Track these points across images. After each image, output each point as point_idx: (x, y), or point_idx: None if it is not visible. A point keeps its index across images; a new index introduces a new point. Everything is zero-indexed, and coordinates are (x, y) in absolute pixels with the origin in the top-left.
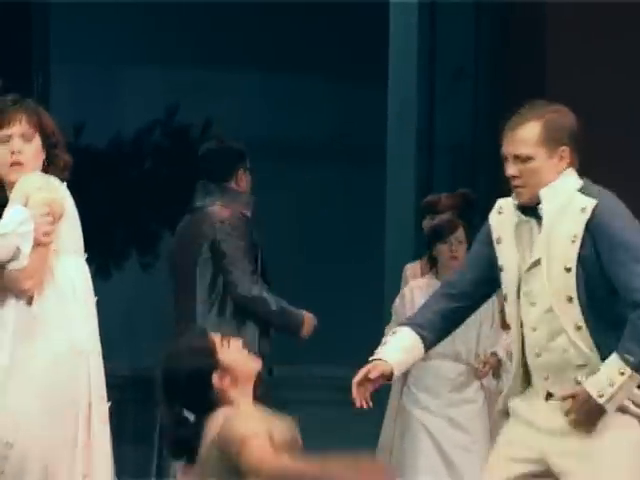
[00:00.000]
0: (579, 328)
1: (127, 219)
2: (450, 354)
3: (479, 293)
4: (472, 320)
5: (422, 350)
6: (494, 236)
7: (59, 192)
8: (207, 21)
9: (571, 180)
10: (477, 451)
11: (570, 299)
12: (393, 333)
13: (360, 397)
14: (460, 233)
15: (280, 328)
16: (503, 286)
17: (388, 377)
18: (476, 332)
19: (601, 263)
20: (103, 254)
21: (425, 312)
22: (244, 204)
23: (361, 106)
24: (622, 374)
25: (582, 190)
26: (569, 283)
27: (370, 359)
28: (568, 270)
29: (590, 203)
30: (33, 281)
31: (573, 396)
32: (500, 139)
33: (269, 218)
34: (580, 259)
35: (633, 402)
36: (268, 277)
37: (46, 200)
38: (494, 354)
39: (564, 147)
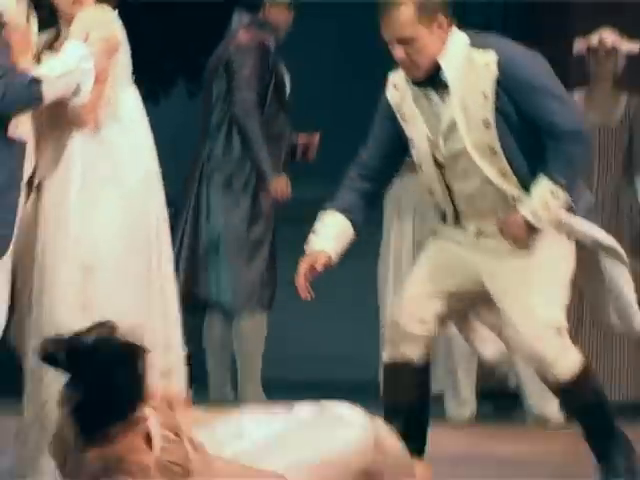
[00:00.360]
0: (504, 174)
1: (176, 51)
2: None
3: (390, 168)
4: None
5: (352, 232)
6: (397, 112)
7: (115, 25)
8: None
9: (459, 39)
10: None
11: (493, 151)
12: (321, 221)
13: (305, 289)
14: None
15: (255, 161)
16: (415, 157)
17: (328, 266)
18: None
19: (519, 111)
20: (152, 81)
21: (346, 195)
22: (267, 34)
23: None
24: (552, 193)
25: (474, 44)
26: (490, 136)
27: (307, 250)
28: (487, 125)
29: (491, 58)
30: (94, 115)
31: (509, 221)
32: None
33: None
34: (497, 112)
35: (562, 220)
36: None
37: (105, 36)
38: None
39: (439, 16)
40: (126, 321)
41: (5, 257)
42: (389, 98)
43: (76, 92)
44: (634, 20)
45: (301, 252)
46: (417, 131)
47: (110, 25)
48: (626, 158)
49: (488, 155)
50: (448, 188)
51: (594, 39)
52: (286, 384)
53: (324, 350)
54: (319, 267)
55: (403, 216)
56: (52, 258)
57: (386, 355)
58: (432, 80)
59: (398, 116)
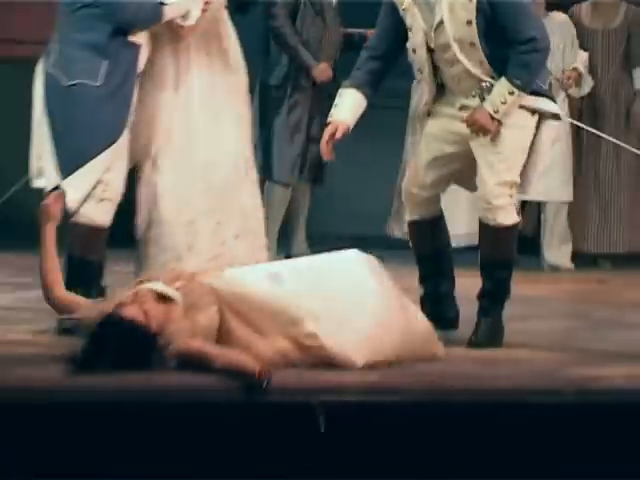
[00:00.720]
0: (482, 63)
1: None
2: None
3: (394, 50)
4: (557, 43)
5: (365, 103)
6: (400, 6)
7: None
8: None
9: None
10: (558, 148)
11: (473, 44)
12: (340, 96)
13: (327, 153)
14: None
15: (294, 61)
16: (411, 42)
17: (346, 133)
18: (560, 53)
19: (495, 15)
20: None
21: (360, 74)
22: None
23: None
24: (511, 94)
25: None
26: (471, 33)
27: (329, 120)
28: (469, 23)
29: None
30: (194, 32)
31: (475, 115)
32: None
33: None
34: (478, 13)
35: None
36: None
37: None
38: (575, 69)
39: None
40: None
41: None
42: None
43: (186, 16)
44: None
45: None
46: (414, 22)
47: None
48: (624, 54)
49: (468, 48)
50: (435, 69)
51: None
52: (334, 238)
53: (369, 207)
54: (339, 135)
55: None
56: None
57: (407, 216)
58: None
59: (400, 9)
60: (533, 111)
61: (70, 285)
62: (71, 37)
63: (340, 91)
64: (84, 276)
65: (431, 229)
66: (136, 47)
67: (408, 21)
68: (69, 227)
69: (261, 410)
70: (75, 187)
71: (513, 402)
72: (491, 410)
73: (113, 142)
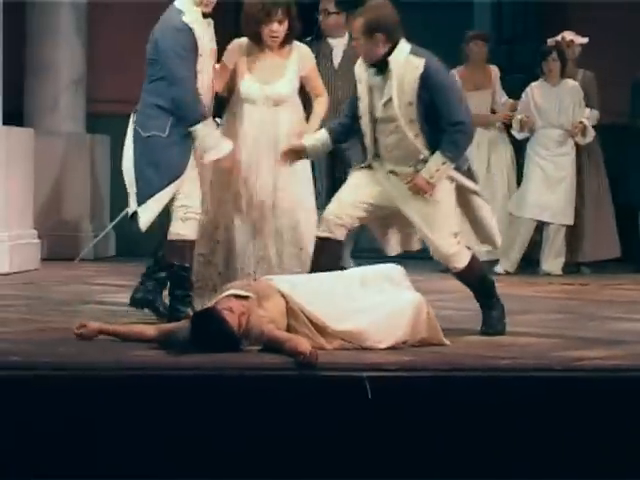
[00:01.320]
0: (417, 136)
1: None
2: (556, 124)
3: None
4: (569, 99)
5: (330, 145)
6: (359, 81)
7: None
8: None
9: (403, 48)
10: (567, 182)
11: (412, 121)
12: (318, 131)
13: (284, 160)
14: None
15: None
16: (360, 109)
17: (301, 153)
18: (571, 111)
19: (432, 100)
20: None
21: (335, 124)
22: None
23: None
24: (443, 164)
25: (412, 52)
26: (412, 111)
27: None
28: (411, 104)
29: (420, 62)
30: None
31: (415, 180)
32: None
33: None
34: (418, 97)
35: (451, 177)
36: None
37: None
38: (581, 122)
39: (378, 34)
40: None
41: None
42: (356, 71)
43: (207, 150)
44: None
45: None
46: (364, 94)
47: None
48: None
49: (409, 122)
50: (375, 136)
51: (559, 37)
52: (367, 250)
53: None
54: (297, 157)
55: None
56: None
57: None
58: (382, 68)
59: (357, 79)
60: (452, 179)
61: (174, 289)
62: (147, 100)
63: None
64: (184, 279)
65: (332, 249)
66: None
67: (359, 92)
68: (165, 245)
69: (319, 382)
70: (146, 213)
71: (515, 377)
72: (498, 382)
73: (177, 177)
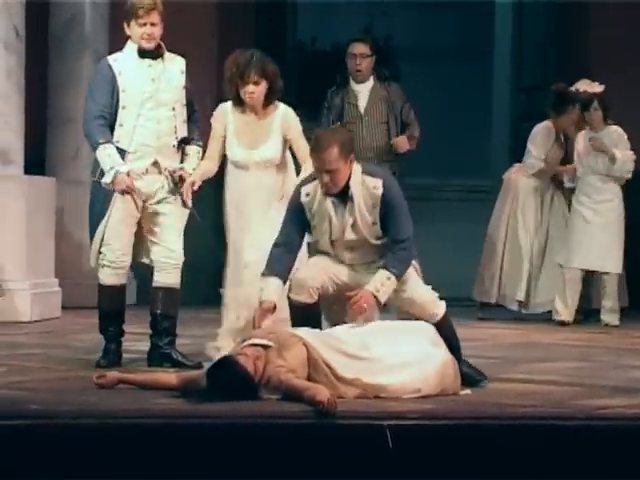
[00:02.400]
0: (379, 252)
1: None
2: (597, 170)
3: (299, 244)
4: (611, 145)
5: (283, 285)
6: (308, 211)
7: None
8: None
9: (357, 168)
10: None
11: (377, 238)
12: (263, 281)
13: (259, 325)
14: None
15: None
16: (316, 234)
17: (273, 311)
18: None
19: (386, 218)
20: None
21: (277, 265)
22: None
23: None
24: (388, 279)
25: (365, 172)
26: (376, 230)
27: (260, 300)
28: (374, 224)
29: (378, 182)
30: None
31: (359, 296)
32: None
33: None
34: (380, 217)
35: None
36: None
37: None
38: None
39: (351, 155)
40: None
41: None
42: (303, 202)
43: (106, 174)
44: None
45: None
46: (321, 222)
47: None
48: None
49: (375, 239)
50: (335, 253)
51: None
52: None
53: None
54: (270, 314)
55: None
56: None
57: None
58: (340, 194)
59: (308, 212)
60: None
61: (101, 330)
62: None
63: (263, 279)
64: (108, 321)
65: (313, 312)
66: (118, 151)
67: (315, 221)
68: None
69: (339, 431)
70: (91, 257)
71: (537, 425)
72: (520, 431)
73: (98, 223)
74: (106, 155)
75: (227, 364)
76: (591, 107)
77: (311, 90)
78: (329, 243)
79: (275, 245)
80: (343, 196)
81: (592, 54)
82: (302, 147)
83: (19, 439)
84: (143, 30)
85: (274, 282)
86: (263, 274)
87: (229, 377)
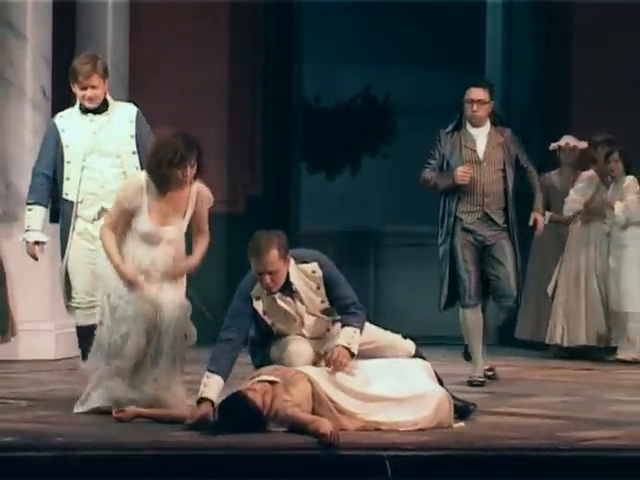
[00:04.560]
0: (328, 326)
1: None
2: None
3: (244, 334)
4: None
5: (223, 383)
6: (261, 311)
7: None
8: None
9: (292, 261)
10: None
11: (328, 314)
12: (208, 378)
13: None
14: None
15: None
16: (283, 323)
17: (210, 412)
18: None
19: (332, 291)
20: None
21: (221, 361)
22: None
23: None
24: (354, 333)
25: (297, 261)
26: (326, 307)
27: (200, 397)
28: (323, 302)
29: (314, 266)
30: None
31: (335, 352)
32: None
33: None
34: (325, 294)
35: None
36: None
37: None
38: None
39: (287, 253)
40: None
41: None
42: (254, 306)
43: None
44: None
45: None
46: (277, 316)
47: None
48: None
49: (326, 316)
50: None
51: (561, 142)
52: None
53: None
54: (205, 413)
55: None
56: None
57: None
58: (284, 287)
59: (258, 308)
60: None
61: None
62: None
63: (205, 380)
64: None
65: None
66: (68, 202)
67: (272, 317)
68: None
69: (341, 461)
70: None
71: (525, 455)
72: (509, 461)
73: (63, 265)
74: (27, 217)
75: (237, 399)
76: (611, 158)
77: (315, 145)
78: (292, 329)
79: (220, 340)
80: (286, 289)
81: (575, 112)
82: (205, 223)
83: (45, 469)
84: (84, 93)
85: (217, 381)
86: (208, 369)
87: (239, 411)
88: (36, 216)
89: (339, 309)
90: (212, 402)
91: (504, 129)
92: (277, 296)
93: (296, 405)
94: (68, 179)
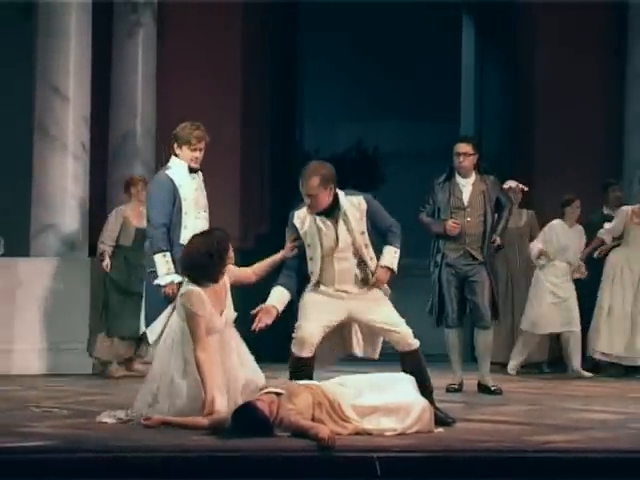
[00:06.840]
0: (371, 258)
1: None
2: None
3: (301, 265)
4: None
5: (289, 296)
6: (301, 231)
7: None
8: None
9: (341, 194)
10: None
11: (367, 245)
12: (272, 292)
13: (257, 325)
14: None
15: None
16: (310, 251)
17: (274, 316)
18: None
19: (372, 221)
20: None
21: (287, 280)
22: None
23: None
24: (395, 252)
25: (347, 193)
26: (364, 238)
27: (263, 306)
28: (362, 233)
29: (358, 199)
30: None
31: (379, 272)
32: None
33: None
34: (367, 227)
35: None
36: None
37: None
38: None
39: (331, 185)
40: None
41: None
42: (296, 224)
43: (161, 278)
44: None
45: None
46: (314, 240)
47: None
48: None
49: (365, 247)
50: (322, 267)
51: (505, 185)
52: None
53: None
54: (269, 320)
55: None
56: None
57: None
58: (328, 213)
59: (301, 232)
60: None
61: None
62: None
63: (273, 289)
64: None
65: (311, 364)
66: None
67: (308, 240)
68: None
69: (337, 462)
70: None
71: (496, 457)
72: (483, 461)
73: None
74: (165, 262)
75: (248, 408)
76: (573, 205)
77: None
78: (320, 260)
79: (285, 267)
80: (331, 213)
81: (536, 165)
82: None
83: (83, 469)
84: (194, 154)
85: (280, 290)
86: (275, 284)
87: (250, 419)
88: (170, 261)
89: (382, 232)
90: (276, 310)
91: (488, 177)
92: (318, 218)
93: (298, 413)
94: (185, 228)
